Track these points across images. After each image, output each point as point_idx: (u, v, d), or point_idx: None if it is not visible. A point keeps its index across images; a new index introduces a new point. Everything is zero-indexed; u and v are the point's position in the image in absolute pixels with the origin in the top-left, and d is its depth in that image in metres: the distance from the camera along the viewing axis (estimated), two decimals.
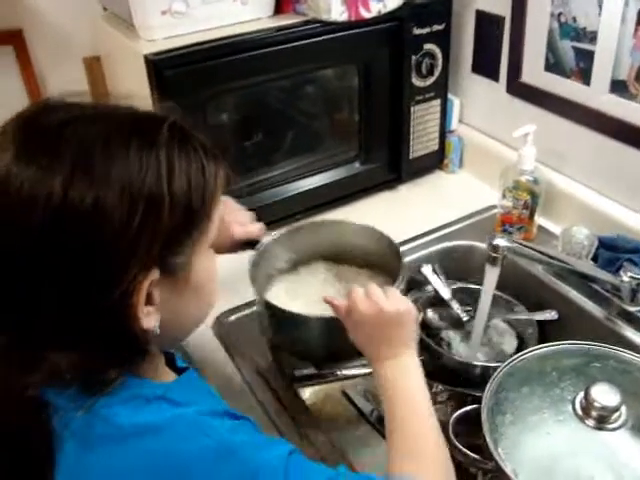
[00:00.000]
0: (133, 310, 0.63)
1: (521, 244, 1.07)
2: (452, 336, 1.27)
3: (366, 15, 1.34)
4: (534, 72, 1.40)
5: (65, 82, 1.56)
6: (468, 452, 0.96)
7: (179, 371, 0.80)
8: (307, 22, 1.32)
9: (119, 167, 0.60)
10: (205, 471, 0.64)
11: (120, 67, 1.44)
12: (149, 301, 0.65)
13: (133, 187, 0.60)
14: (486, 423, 0.94)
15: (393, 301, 0.93)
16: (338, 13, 1.30)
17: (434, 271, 1.35)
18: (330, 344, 1.07)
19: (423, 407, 0.88)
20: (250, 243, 1.16)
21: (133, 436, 0.64)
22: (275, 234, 1.18)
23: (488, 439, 0.92)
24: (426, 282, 1.35)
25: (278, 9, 1.37)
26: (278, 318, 1.10)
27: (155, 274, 0.64)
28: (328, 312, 0.99)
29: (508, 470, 0.87)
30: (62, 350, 0.63)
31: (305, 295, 1.17)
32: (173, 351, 0.86)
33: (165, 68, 1.16)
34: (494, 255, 1.06)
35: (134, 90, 1.33)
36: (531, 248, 1.09)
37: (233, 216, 1.14)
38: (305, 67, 1.38)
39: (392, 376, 0.89)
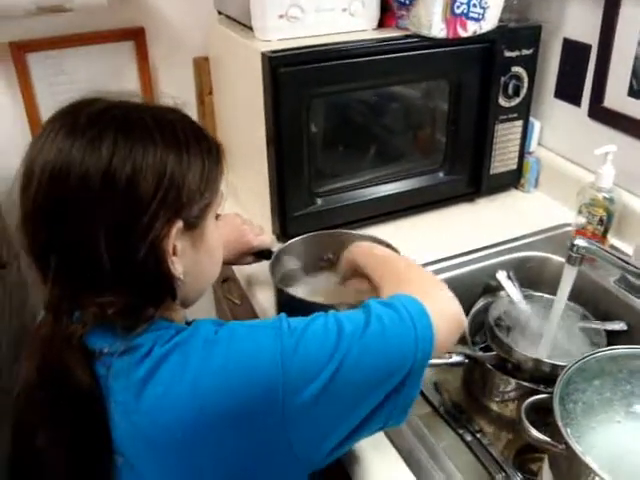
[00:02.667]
0: (164, 255, 0.79)
1: (599, 247, 1.14)
2: (522, 337, 1.32)
3: (463, 34, 1.43)
4: (617, 97, 1.48)
5: (174, 78, 1.70)
6: (540, 435, 1.02)
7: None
8: (408, 36, 1.42)
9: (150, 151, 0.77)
10: (229, 341, 0.78)
11: (231, 66, 1.55)
12: (174, 252, 0.80)
13: (161, 166, 0.78)
14: (557, 409, 0.98)
15: None
16: (438, 30, 1.40)
17: (509, 277, 1.41)
18: None
19: (398, 258, 1.08)
20: (263, 254, 1.32)
21: (172, 351, 0.77)
22: (287, 244, 1.32)
23: (559, 423, 0.97)
24: (499, 288, 1.42)
25: (382, 23, 1.48)
26: (293, 308, 1.17)
27: (179, 224, 0.80)
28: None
29: (579, 451, 0.92)
30: (107, 291, 0.78)
31: (315, 296, 1.25)
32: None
33: (280, 65, 1.27)
34: (574, 255, 1.13)
35: (245, 86, 1.45)
36: (608, 252, 1.15)
37: (248, 226, 1.32)
38: (403, 78, 1.48)
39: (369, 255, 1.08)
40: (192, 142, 0.82)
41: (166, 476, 0.77)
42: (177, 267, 0.81)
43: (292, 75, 1.29)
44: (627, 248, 1.46)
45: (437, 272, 1.41)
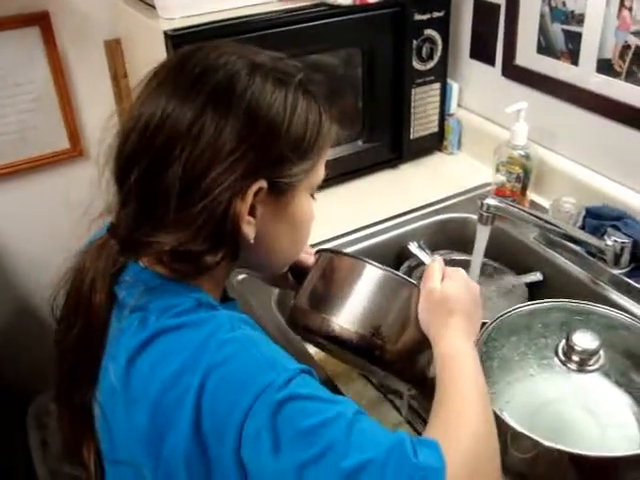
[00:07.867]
0: (238, 211, 0.74)
1: (510, 205, 1.16)
2: None
3: (370, 0, 1.43)
4: (527, 55, 1.49)
5: (86, 62, 1.66)
6: None
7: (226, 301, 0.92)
8: (315, 5, 1.41)
9: (253, 94, 0.75)
10: (231, 355, 0.72)
11: (139, 46, 1.53)
12: (252, 212, 0.77)
13: (259, 110, 0.74)
14: None
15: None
16: None
17: (420, 247, 1.41)
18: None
19: (472, 387, 0.81)
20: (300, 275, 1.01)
21: (178, 328, 0.75)
22: None
23: None
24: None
25: None
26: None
27: (262, 183, 0.75)
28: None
29: (496, 409, 0.94)
30: (170, 227, 0.74)
31: None
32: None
33: (183, 43, 1.24)
34: (485, 214, 1.14)
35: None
36: (520, 209, 1.17)
37: None
38: (313, 47, 1.46)
39: (452, 353, 0.85)
40: (307, 104, 0.78)
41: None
42: (250, 229, 0.78)
43: None
44: (546, 203, 1.49)
45: (362, 240, 1.43)
